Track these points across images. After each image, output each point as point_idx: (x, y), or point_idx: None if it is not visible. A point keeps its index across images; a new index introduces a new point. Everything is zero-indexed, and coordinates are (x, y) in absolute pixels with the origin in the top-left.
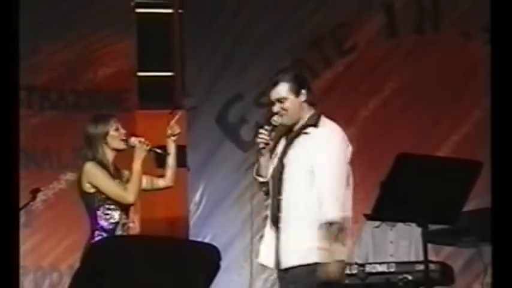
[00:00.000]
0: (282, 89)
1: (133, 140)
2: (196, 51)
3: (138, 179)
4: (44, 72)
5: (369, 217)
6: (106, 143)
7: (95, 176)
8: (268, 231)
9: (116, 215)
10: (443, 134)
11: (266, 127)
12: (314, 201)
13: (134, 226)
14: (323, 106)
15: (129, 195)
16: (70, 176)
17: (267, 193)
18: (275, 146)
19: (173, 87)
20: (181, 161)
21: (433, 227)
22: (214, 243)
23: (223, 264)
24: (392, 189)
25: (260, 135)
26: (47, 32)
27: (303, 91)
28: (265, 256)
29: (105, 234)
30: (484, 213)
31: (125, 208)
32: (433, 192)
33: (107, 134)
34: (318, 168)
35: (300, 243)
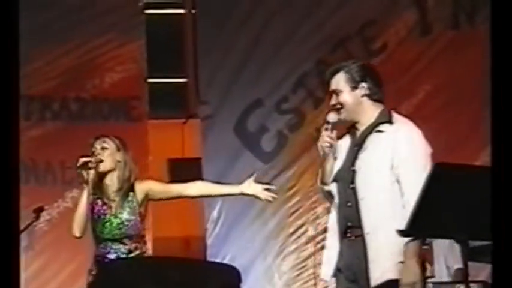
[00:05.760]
0: (339, 79)
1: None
2: (211, 55)
3: (80, 211)
4: (44, 80)
5: (403, 233)
6: None
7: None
8: (333, 243)
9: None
10: (482, 140)
11: (326, 127)
12: (399, 207)
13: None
14: None
15: (74, 228)
16: (76, 192)
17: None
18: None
19: (186, 94)
20: (196, 175)
21: (474, 243)
22: (234, 264)
23: (244, 286)
24: (428, 202)
25: (323, 138)
26: (45, 36)
27: (363, 84)
28: (330, 271)
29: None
30: None
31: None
32: (474, 205)
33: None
34: (403, 171)
35: (389, 255)
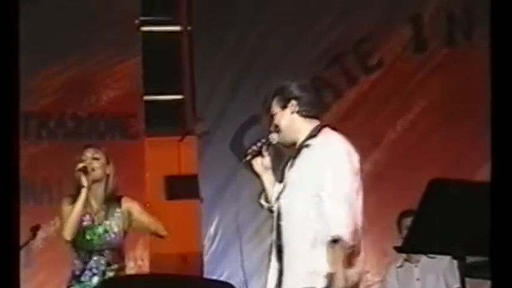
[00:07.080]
0: (273, 102)
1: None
2: (207, 71)
3: (77, 213)
4: (41, 97)
5: (400, 249)
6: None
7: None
8: (273, 262)
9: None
10: (479, 156)
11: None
12: (318, 220)
13: (143, 264)
14: (346, 127)
15: (65, 231)
16: None
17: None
18: (282, 171)
19: (182, 111)
20: (193, 192)
21: (471, 259)
22: (231, 282)
23: None
24: (425, 218)
25: (251, 149)
26: (43, 53)
27: (293, 102)
28: None
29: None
30: None
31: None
32: (471, 221)
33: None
34: (321, 182)
35: (303, 266)
